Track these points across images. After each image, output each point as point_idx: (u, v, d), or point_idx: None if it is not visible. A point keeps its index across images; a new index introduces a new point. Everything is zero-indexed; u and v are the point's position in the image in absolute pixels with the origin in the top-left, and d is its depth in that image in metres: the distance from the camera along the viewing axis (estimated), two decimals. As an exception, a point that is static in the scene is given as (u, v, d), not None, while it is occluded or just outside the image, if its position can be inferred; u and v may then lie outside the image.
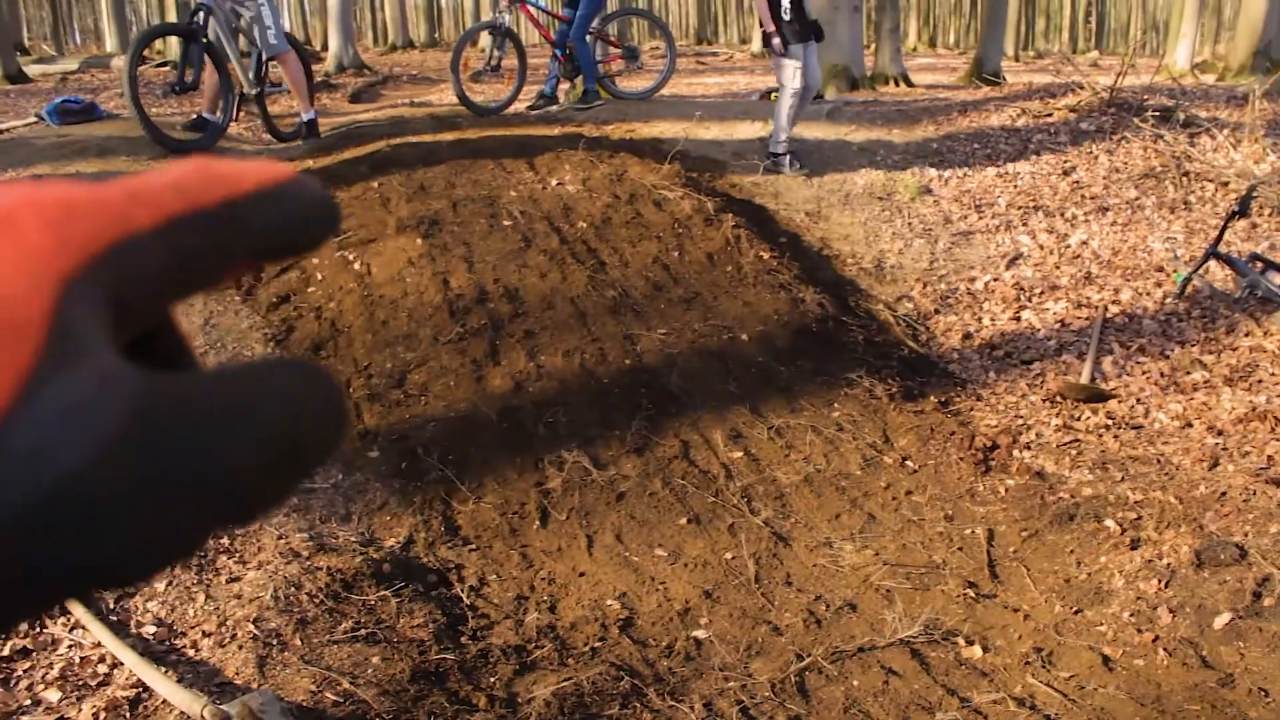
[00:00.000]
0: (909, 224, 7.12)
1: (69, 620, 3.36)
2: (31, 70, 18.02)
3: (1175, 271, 6.22)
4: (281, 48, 7.41)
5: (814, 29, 7.13)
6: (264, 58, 7.38)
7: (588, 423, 4.66)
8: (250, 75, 7.33)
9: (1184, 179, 7.65)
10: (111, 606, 3.46)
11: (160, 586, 3.56)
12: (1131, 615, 3.55)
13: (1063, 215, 7.27)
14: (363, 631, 3.38)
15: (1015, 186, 7.72)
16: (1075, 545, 4.01)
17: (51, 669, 3.15)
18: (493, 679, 3.27)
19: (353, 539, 3.96)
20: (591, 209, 6.36)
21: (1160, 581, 3.67)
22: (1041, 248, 6.84)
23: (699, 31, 39.95)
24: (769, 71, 20.92)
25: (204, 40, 6.96)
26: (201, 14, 6.98)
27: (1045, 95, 10.03)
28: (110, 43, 26.19)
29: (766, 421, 4.81)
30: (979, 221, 7.21)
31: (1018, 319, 6.05)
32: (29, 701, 3.00)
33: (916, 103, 10.70)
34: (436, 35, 35.79)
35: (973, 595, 3.76)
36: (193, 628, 3.38)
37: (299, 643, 3.30)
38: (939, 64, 25.39)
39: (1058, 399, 5.20)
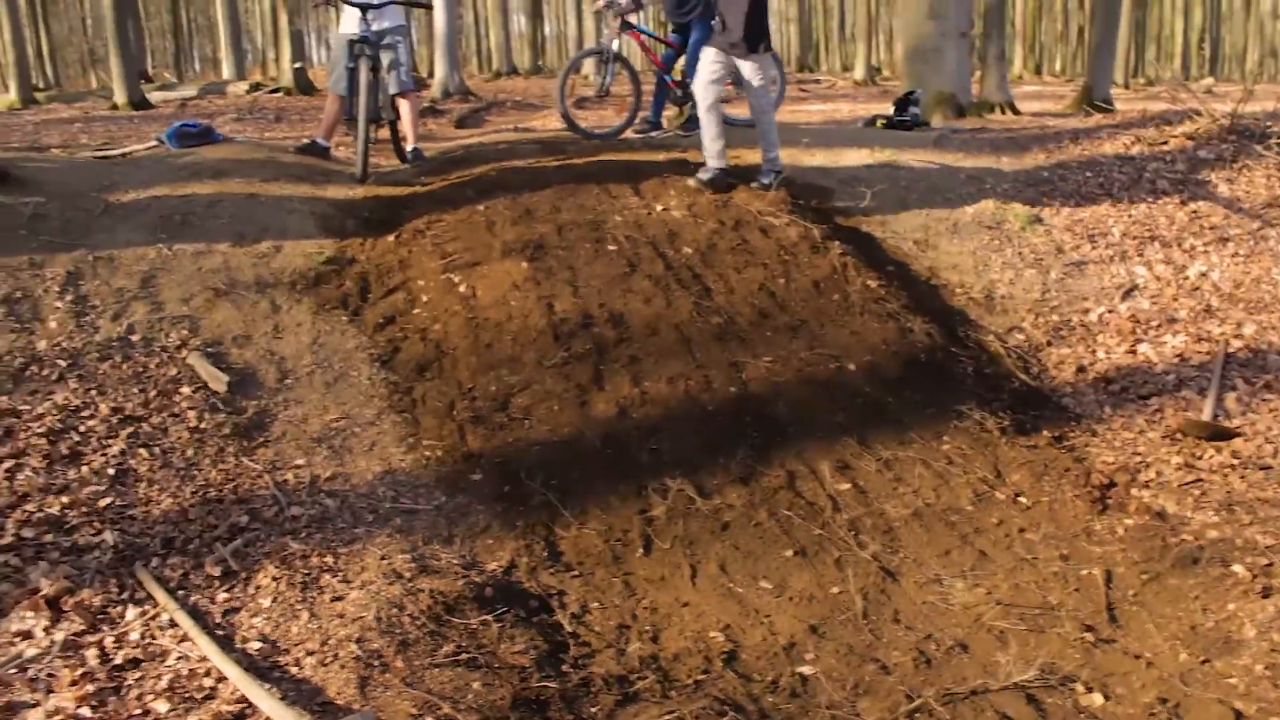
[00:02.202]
0: (1019, 253, 6.96)
1: (177, 632, 3.40)
2: (154, 96, 18.68)
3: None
4: (411, 85, 7.82)
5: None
6: (392, 92, 7.67)
7: (692, 450, 4.61)
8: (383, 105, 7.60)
9: (1311, 209, 7.37)
10: (218, 620, 3.49)
11: (265, 602, 3.59)
12: (1266, 669, 3.38)
13: (1180, 246, 7.04)
14: (464, 656, 3.36)
15: (1130, 216, 7.51)
16: (1200, 590, 3.84)
17: (160, 680, 3.18)
18: (594, 709, 3.22)
19: (455, 561, 3.96)
20: (697, 235, 6.33)
21: (1296, 633, 3.50)
22: (1158, 279, 6.63)
23: (801, 59, 39.94)
24: (872, 99, 20.80)
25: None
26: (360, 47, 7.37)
27: (1160, 122, 9.76)
28: (227, 69, 27.03)
29: (874, 453, 4.72)
30: (1092, 251, 7.02)
31: (1134, 352, 5.87)
32: (139, 711, 3.03)
33: (1025, 130, 10.51)
34: (540, 62, 36.24)
35: (1091, 639, 3.62)
36: (296, 645, 3.39)
37: (400, 665, 3.29)
38: (1045, 91, 25.02)
39: (1178, 436, 5.01)
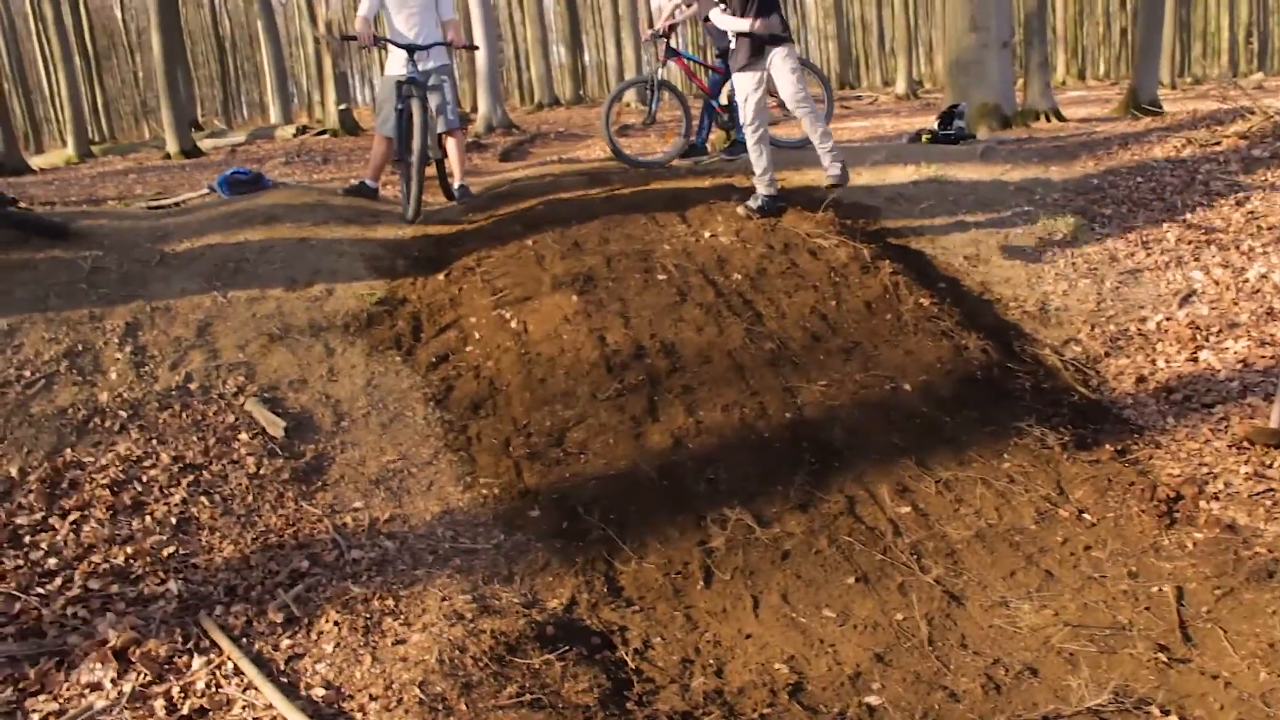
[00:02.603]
0: (1073, 264, 6.87)
1: (242, 680, 3.42)
2: (204, 144, 19.04)
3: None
4: (457, 122, 7.90)
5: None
6: (440, 130, 7.77)
7: (749, 479, 4.58)
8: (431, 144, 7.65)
9: (1371, 206, 7.21)
10: (282, 668, 3.51)
11: (328, 648, 3.61)
12: (1350, 685, 3.29)
13: (1238, 248, 6.90)
14: (528, 696, 3.35)
15: (1184, 220, 7.39)
16: (1278, 605, 3.74)
17: (227, 729, 3.21)
18: (661, 747, 3.20)
19: (515, 600, 3.95)
20: (746, 260, 6.31)
21: (1378, 646, 3.40)
22: (1217, 283, 6.51)
23: (841, 75, 39.88)
24: (915, 112, 20.70)
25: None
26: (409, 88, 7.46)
27: (1211, 123, 9.63)
28: (274, 113, 27.46)
29: (934, 474, 4.66)
30: (1147, 258, 6.91)
31: (1195, 360, 5.75)
32: (208, 760, 3.06)
33: (1073, 137, 10.40)
34: (581, 92, 36.49)
35: (1165, 660, 3.54)
36: (360, 690, 3.40)
37: (464, 708, 3.28)
38: (1090, 96, 24.77)
39: (1246, 445, 4.89)
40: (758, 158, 7.01)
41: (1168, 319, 6.18)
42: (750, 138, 7.06)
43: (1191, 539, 4.23)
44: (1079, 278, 6.70)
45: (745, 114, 6.97)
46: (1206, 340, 5.91)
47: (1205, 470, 4.75)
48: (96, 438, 4.80)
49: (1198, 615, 3.79)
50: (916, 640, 3.73)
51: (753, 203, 6.99)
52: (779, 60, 6.79)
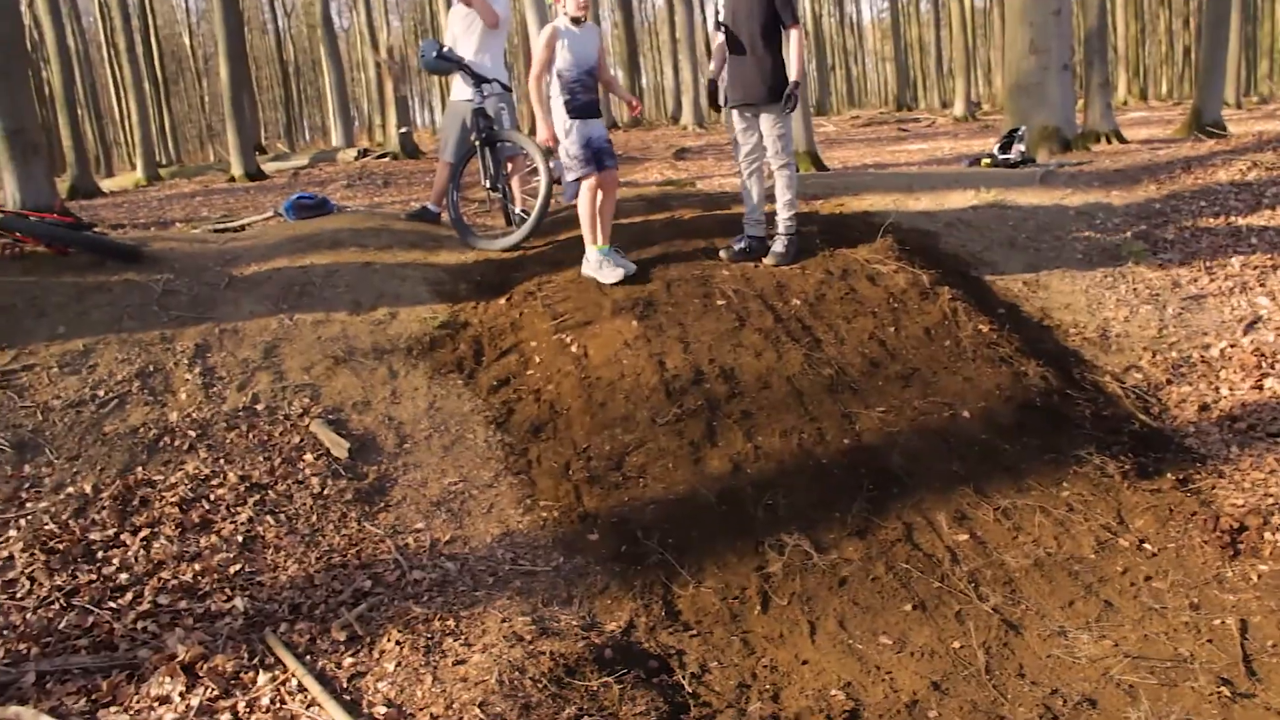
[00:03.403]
0: (1134, 289, 6.82)
1: (306, 697, 3.49)
2: (268, 167, 19.38)
3: None
4: (516, 149, 7.82)
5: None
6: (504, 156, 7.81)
7: (807, 505, 4.60)
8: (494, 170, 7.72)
9: None
10: (345, 685, 3.58)
11: (389, 667, 3.67)
12: None
13: (1305, 275, 6.82)
14: (586, 719, 3.38)
15: (1249, 245, 7.31)
16: (1343, 639, 3.70)
17: (292, 746, 3.28)
18: (718, 771, 3.22)
19: (574, 623, 3.99)
20: (804, 286, 6.33)
21: None
22: (1283, 310, 6.43)
23: (899, 98, 39.73)
24: (974, 135, 20.59)
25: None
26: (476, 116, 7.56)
27: (1277, 145, 9.50)
28: (336, 137, 27.90)
29: (992, 502, 4.65)
30: (1210, 284, 6.84)
31: (1260, 388, 5.69)
32: (272, 777, 3.12)
33: (1134, 161, 10.30)
34: (639, 115, 36.59)
35: (1228, 694, 3.50)
36: (421, 709, 3.45)
37: (524, 729, 3.33)
38: (1152, 117, 24.49)
39: (1312, 475, 4.84)
40: (746, 196, 6.94)
41: (1232, 346, 6.11)
42: (742, 173, 7.01)
43: (1256, 571, 4.19)
44: (1140, 304, 6.65)
45: (738, 149, 6.92)
46: (1272, 368, 5.84)
47: (1271, 501, 4.69)
48: (166, 456, 4.92)
49: (1262, 649, 3.75)
50: (974, 669, 3.73)
51: (736, 244, 6.91)
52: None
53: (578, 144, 6.49)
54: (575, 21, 6.51)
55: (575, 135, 6.49)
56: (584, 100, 6.58)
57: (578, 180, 6.56)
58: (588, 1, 6.55)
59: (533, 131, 9.38)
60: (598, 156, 6.62)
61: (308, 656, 3.72)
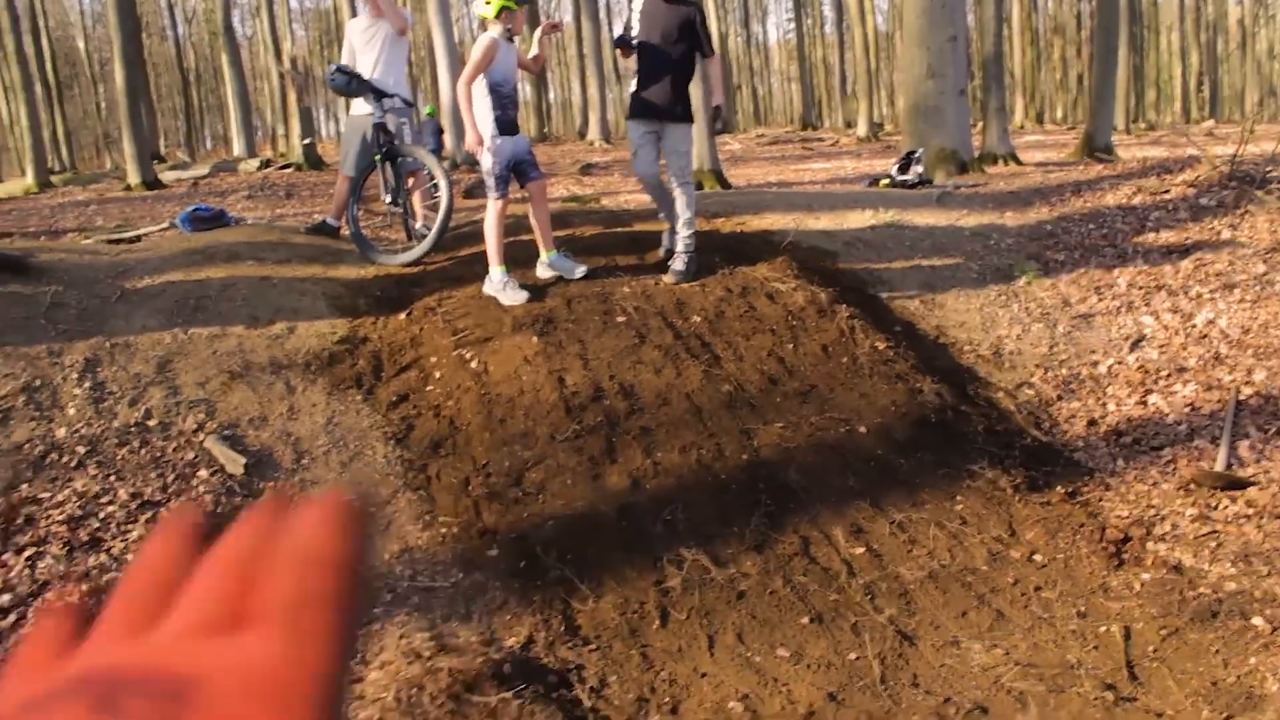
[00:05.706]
0: (1026, 309, 7.00)
1: None
2: (166, 176, 18.96)
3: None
4: (418, 164, 7.79)
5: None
6: (406, 170, 7.76)
7: (706, 520, 4.63)
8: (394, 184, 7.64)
9: (1315, 254, 7.40)
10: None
11: (286, 686, 3.60)
12: (1287, 723, 3.37)
13: (1187, 294, 7.07)
14: (485, 735, 3.37)
15: (1135, 266, 7.56)
16: (1221, 645, 3.83)
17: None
18: (617, 786, 3.22)
19: (474, 639, 3.97)
20: (704, 303, 6.38)
21: (1315, 685, 3.49)
22: (1166, 328, 6.66)
23: (804, 117, 40.32)
24: (876, 154, 20.97)
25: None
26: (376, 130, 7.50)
27: (1161, 171, 9.85)
28: (238, 147, 27.45)
29: (888, 516, 4.73)
30: (1099, 304, 7.06)
31: (1144, 403, 5.88)
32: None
33: (1028, 184, 10.59)
34: (546, 129, 36.65)
35: (1111, 698, 3.61)
36: (318, 730, 3.39)
37: (422, 747, 3.30)
38: (1047, 140, 25.20)
39: (1192, 487, 5.01)
40: (658, 203, 7.06)
41: (1118, 363, 6.31)
42: (642, 184, 7.14)
43: (1139, 580, 4.32)
44: (1032, 322, 6.83)
45: (635, 159, 7.00)
46: (1156, 384, 6.04)
47: (1153, 512, 4.85)
48: (54, 473, 4.78)
49: (1144, 655, 3.87)
50: (869, 679, 3.78)
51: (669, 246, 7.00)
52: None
53: (501, 164, 6.49)
54: (509, 37, 6.55)
55: (499, 154, 6.49)
56: (512, 116, 6.62)
57: (500, 198, 6.57)
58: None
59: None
60: (520, 171, 6.65)
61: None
